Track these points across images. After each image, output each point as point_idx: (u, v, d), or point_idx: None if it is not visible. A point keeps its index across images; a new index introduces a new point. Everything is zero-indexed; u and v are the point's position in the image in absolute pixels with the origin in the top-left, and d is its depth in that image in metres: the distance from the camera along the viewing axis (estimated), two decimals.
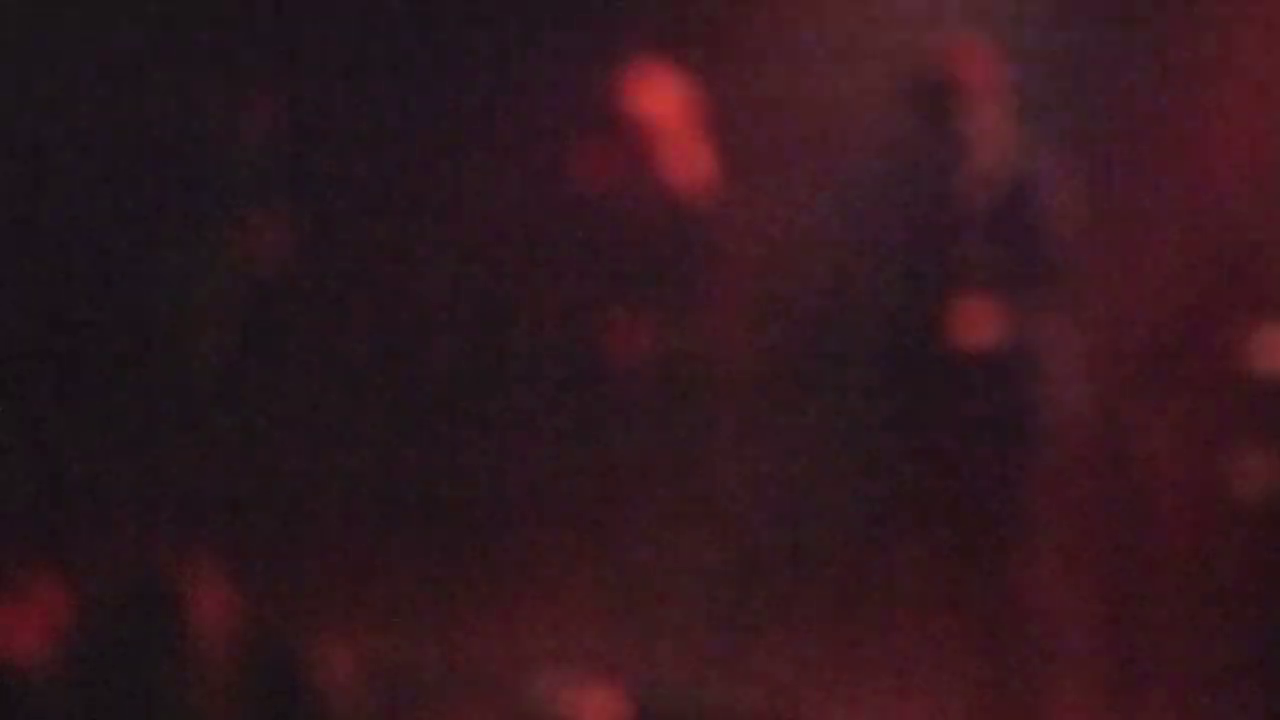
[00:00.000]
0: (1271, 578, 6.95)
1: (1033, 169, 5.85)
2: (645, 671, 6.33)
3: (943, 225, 5.96)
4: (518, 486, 8.09)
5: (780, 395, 7.84)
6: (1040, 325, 5.78)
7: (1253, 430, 6.72)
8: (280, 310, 7.12)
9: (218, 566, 5.90)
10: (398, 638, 6.66)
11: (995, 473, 5.86)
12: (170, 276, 7.22)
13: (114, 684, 4.52)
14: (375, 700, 4.56)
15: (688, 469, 6.47)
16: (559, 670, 6.50)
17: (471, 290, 8.10)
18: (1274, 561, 6.90)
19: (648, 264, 6.35)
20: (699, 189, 6.41)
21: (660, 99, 6.40)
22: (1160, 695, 6.24)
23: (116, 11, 8.07)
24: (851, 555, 7.22)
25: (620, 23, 7.81)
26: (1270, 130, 7.21)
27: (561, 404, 6.60)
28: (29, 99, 7.70)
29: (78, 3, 8.03)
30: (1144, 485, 6.38)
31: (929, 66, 5.94)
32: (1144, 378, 5.32)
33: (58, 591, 4.92)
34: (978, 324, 5.66)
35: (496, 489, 8.46)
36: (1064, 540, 6.88)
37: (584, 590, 6.99)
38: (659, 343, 6.28)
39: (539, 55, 8.24)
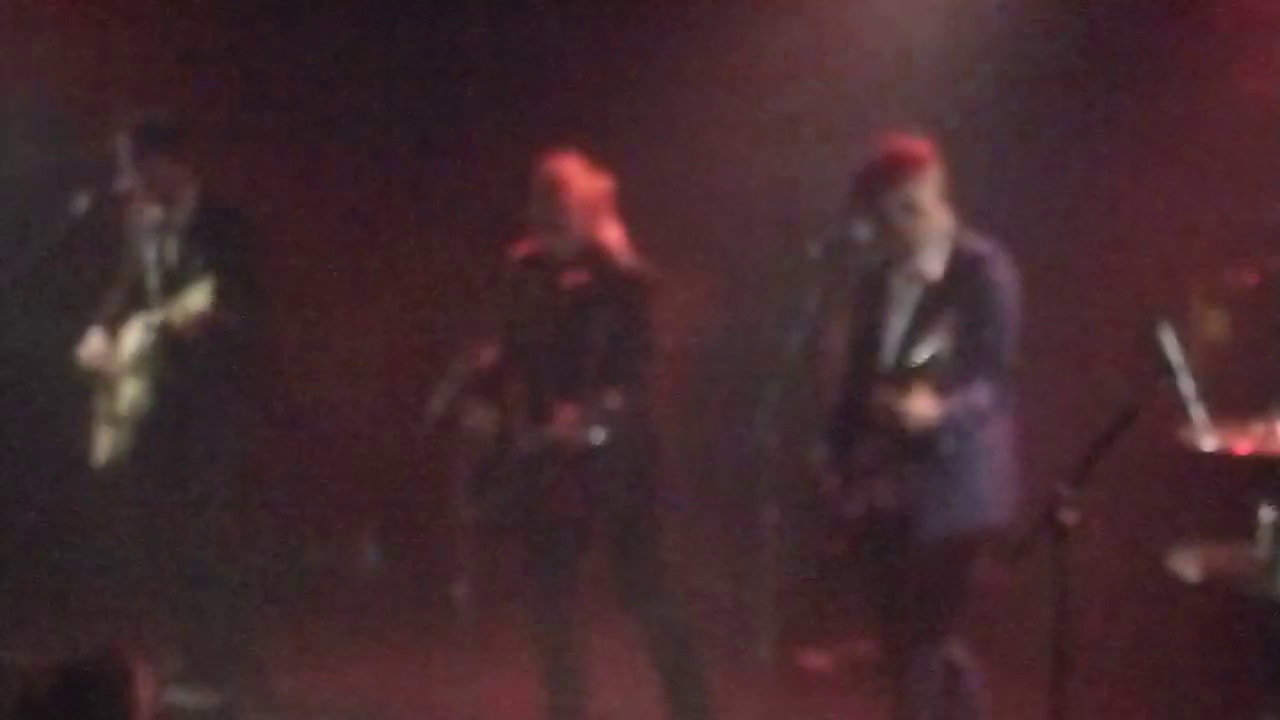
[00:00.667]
0: (1212, 658, 6.95)
1: (974, 250, 5.82)
2: None
3: (880, 307, 5.94)
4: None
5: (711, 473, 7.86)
6: (982, 406, 5.74)
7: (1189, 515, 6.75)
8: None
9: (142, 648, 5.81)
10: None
11: (925, 555, 5.82)
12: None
13: None
14: None
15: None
16: None
17: (404, 365, 8.09)
18: (1214, 643, 6.90)
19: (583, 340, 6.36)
20: (629, 266, 6.43)
21: (590, 180, 6.43)
22: None
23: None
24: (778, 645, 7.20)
25: (554, 108, 7.89)
26: (1202, 211, 7.31)
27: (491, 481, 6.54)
28: None
29: None
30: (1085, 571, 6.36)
31: (867, 149, 5.91)
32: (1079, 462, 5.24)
33: None
34: (918, 405, 5.62)
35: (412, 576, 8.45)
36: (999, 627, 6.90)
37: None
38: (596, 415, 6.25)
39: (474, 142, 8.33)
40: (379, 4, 8.70)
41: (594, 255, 6.41)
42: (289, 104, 8.58)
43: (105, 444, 7.15)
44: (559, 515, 6.41)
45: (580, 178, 6.40)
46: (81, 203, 7.07)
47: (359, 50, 8.64)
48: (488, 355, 6.57)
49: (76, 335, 7.20)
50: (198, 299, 6.70)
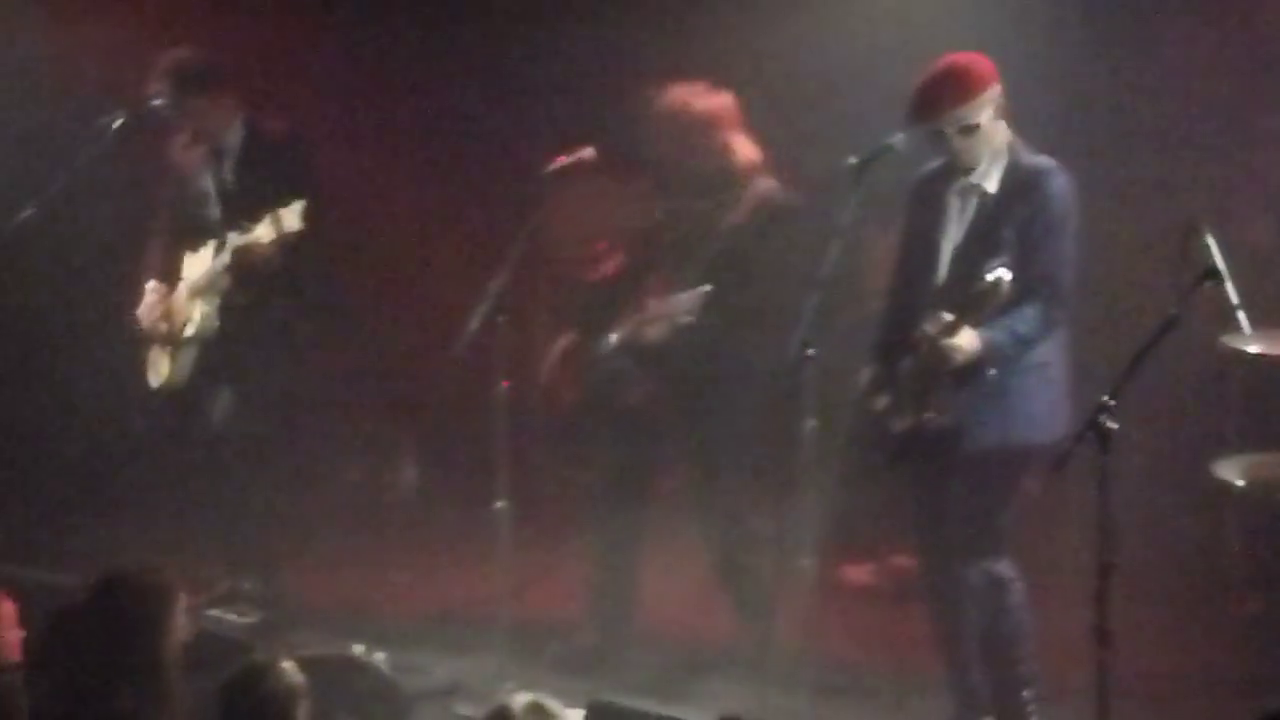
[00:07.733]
0: (1256, 565, 6.89)
1: (1032, 165, 5.75)
2: None
3: (934, 223, 5.89)
4: None
5: None
6: (1030, 333, 5.69)
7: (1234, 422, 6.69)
8: None
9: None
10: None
11: (972, 471, 5.79)
12: None
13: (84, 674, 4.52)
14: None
15: None
16: None
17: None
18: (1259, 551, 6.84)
19: None
20: None
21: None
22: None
23: None
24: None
25: None
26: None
27: None
28: None
29: None
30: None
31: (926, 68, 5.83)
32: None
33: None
34: (962, 341, 5.59)
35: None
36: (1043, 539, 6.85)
37: None
38: None
39: None
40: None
41: None
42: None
43: (163, 367, 7.18)
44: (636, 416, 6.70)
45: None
46: (113, 123, 7.06)
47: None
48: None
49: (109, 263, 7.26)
50: (290, 220, 6.71)
